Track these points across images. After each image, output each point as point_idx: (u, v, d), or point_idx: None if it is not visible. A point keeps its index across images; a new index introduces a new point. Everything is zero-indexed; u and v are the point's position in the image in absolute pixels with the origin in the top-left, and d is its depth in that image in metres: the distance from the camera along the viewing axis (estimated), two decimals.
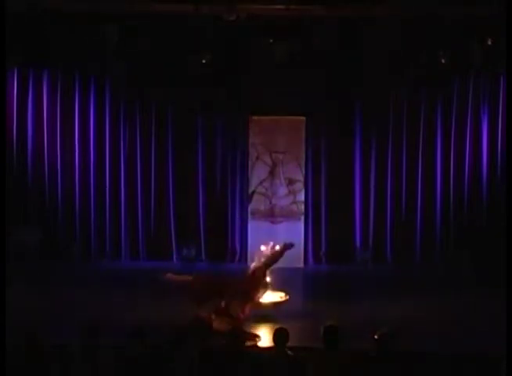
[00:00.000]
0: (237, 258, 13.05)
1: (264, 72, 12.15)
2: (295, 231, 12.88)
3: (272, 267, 9.12)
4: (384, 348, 6.12)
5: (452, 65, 11.89)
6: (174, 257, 13.07)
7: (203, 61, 11.26)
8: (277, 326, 6.59)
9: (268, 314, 8.81)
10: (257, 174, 13.00)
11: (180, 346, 6.23)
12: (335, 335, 6.21)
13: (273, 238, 12.48)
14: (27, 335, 6.33)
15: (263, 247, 9.44)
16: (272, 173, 13.02)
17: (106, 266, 12.64)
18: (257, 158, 13.00)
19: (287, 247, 9.19)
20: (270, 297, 9.20)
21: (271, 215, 12.97)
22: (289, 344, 6.33)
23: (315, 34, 11.38)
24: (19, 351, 6.25)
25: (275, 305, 9.07)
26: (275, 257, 9.09)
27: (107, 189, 13.01)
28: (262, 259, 9.04)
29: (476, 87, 12.74)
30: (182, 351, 6.11)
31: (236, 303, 8.52)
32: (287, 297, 9.21)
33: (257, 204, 13.00)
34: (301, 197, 12.99)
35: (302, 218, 12.97)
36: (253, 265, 9.15)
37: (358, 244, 13.09)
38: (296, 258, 12.65)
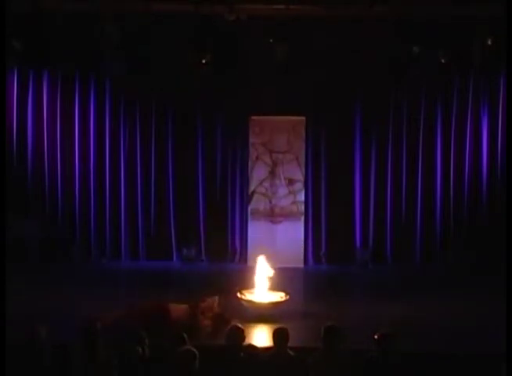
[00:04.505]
0: (237, 258, 13.06)
1: (264, 72, 12.15)
2: (295, 231, 12.90)
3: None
4: (384, 348, 6.13)
5: (452, 65, 11.88)
6: (174, 257, 13.08)
7: (203, 61, 11.25)
8: (277, 326, 6.60)
9: (268, 314, 8.81)
10: (257, 174, 13.00)
11: (180, 345, 6.23)
12: (336, 335, 6.22)
13: (273, 238, 12.70)
14: (27, 335, 6.34)
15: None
16: (272, 173, 13.02)
17: (106, 266, 12.65)
18: (257, 158, 13.01)
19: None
20: (270, 297, 9.21)
21: (271, 215, 12.98)
22: (289, 344, 6.33)
23: (315, 34, 11.39)
24: (19, 350, 6.26)
25: (275, 305, 9.07)
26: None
27: (107, 189, 13.02)
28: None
29: (476, 87, 12.74)
30: (181, 351, 6.10)
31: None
32: (287, 297, 9.21)
33: (257, 204, 13.00)
34: (301, 197, 12.99)
35: (302, 218, 12.97)
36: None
37: (358, 244, 13.10)
38: (296, 258, 12.70)
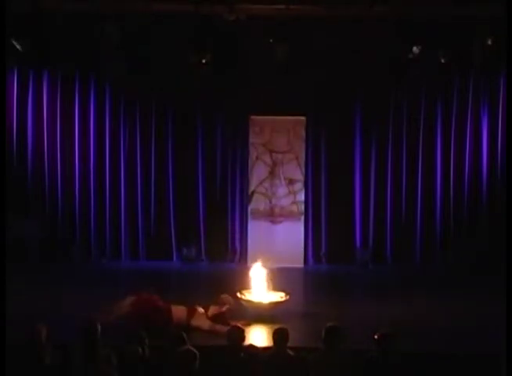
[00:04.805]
0: (237, 258, 13.05)
1: (264, 72, 12.15)
2: (295, 231, 12.90)
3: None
4: (384, 348, 6.13)
5: (452, 65, 11.88)
6: (174, 257, 13.07)
7: (203, 61, 11.24)
8: (277, 326, 6.60)
9: (268, 314, 8.80)
10: (257, 174, 13.00)
11: (180, 345, 6.24)
12: (337, 336, 6.22)
13: (273, 238, 12.71)
14: (27, 335, 6.34)
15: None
16: (272, 173, 13.02)
17: (106, 266, 12.65)
18: (257, 158, 13.01)
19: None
20: (270, 297, 9.21)
21: (271, 215, 12.98)
22: (289, 344, 6.34)
23: (315, 34, 11.39)
24: (19, 350, 6.26)
25: (275, 305, 9.06)
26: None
27: (107, 189, 13.01)
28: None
29: (476, 87, 12.74)
30: (181, 351, 6.11)
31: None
32: (287, 297, 9.20)
33: (257, 204, 13.00)
34: (301, 197, 12.99)
35: (302, 218, 12.97)
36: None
37: (358, 244, 13.10)
38: (296, 258, 12.70)
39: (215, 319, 8.39)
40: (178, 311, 8.38)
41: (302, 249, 12.91)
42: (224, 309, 8.57)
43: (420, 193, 12.98)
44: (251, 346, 6.61)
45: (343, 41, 11.56)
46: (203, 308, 8.51)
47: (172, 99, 12.88)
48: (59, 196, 12.96)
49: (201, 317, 8.37)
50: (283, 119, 12.93)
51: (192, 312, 8.38)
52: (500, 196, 12.22)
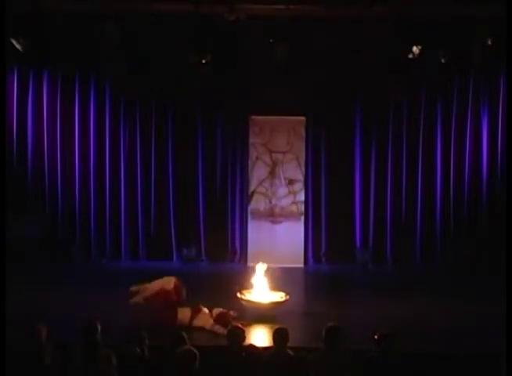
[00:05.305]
0: (237, 258, 13.06)
1: (264, 72, 12.15)
2: (295, 231, 12.91)
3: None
4: (384, 348, 6.13)
5: (452, 65, 11.88)
6: (174, 257, 13.08)
7: (203, 61, 11.24)
8: (277, 326, 6.60)
9: (268, 314, 8.80)
10: (257, 174, 13.02)
11: (180, 345, 6.23)
12: (337, 336, 6.22)
13: (273, 238, 12.71)
14: (27, 335, 6.34)
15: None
16: (272, 173, 13.03)
17: (106, 266, 12.65)
18: (257, 158, 13.02)
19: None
20: (270, 297, 9.21)
21: (271, 215, 12.99)
22: (289, 344, 6.34)
23: (315, 34, 11.39)
24: (20, 350, 6.26)
25: (275, 305, 9.07)
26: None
27: (107, 189, 13.02)
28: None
29: (476, 87, 12.75)
30: (181, 351, 6.10)
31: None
32: (287, 297, 9.20)
33: (257, 204, 13.01)
34: (301, 197, 13.00)
35: (302, 218, 12.98)
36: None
37: (358, 244, 13.10)
38: (296, 258, 12.71)
39: (219, 319, 8.39)
40: (183, 312, 8.42)
41: (302, 249, 12.92)
42: (233, 313, 8.61)
43: (420, 193, 12.99)
44: (251, 346, 6.61)
45: (343, 41, 11.55)
46: (207, 308, 8.53)
47: (172, 99, 12.89)
48: (59, 196, 12.97)
49: (204, 317, 8.39)
50: (282, 119, 12.93)
51: (196, 312, 8.41)
52: (500, 196, 12.23)
